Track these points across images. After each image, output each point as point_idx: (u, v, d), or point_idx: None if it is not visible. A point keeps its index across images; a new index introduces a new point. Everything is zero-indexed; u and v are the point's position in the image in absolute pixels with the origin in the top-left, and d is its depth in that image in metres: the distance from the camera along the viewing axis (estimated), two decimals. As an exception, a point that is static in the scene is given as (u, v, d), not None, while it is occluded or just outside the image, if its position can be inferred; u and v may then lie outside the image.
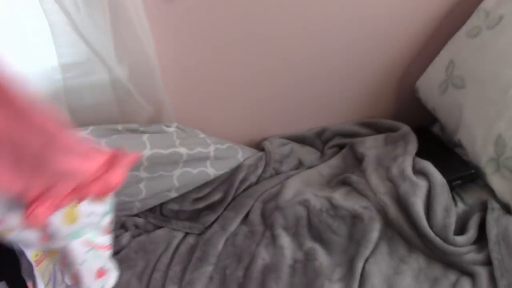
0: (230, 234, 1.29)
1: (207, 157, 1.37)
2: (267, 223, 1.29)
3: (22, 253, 0.77)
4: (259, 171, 1.43)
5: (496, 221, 1.12)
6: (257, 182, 1.43)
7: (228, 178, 1.41)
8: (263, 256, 1.19)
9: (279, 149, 1.50)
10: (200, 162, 1.36)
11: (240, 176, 1.40)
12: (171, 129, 1.36)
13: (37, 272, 0.79)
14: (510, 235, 1.09)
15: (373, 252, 1.15)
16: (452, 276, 1.10)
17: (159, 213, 1.39)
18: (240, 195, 1.39)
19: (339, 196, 1.28)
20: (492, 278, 1.07)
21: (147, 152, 1.26)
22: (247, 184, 1.41)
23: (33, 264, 0.78)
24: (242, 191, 1.40)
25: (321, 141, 1.59)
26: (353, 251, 1.15)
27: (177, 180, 1.34)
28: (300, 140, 1.59)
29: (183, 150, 1.31)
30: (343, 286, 1.10)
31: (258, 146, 1.57)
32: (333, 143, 1.57)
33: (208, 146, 1.37)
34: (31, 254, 0.83)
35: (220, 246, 1.25)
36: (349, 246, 1.17)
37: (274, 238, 1.23)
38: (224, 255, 1.23)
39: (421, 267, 1.12)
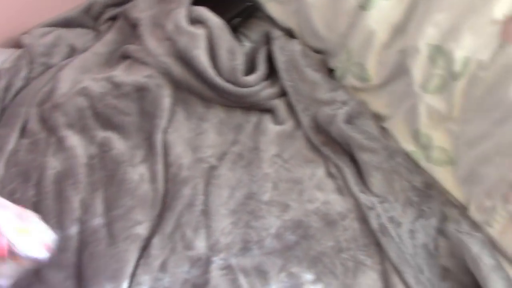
0: (10, 154, 1.08)
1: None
2: (49, 127, 1.10)
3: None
4: (23, 72, 1.20)
5: (282, 49, 1.07)
6: (26, 85, 1.21)
7: (-13, 92, 1.16)
8: (53, 165, 1.03)
9: (42, 40, 1.26)
10: None
11: (1, 84, 1.16)
12: None
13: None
14: (297, 58, 1.05)
15: (170, 121, 1.05)
16: (253, 118, 1.06)
17: None
18: (9, 106, 1.16)
19: (120, 73, 1.12)
20: (290, 106, 1.04)
21: None
22: (13, 91, 1.18)
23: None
24: (11, 101, 1.17)
25: (91, 18, 1.37)
26: (149, 126, 1.04)
27: None
28: (66, 23, 1.35)
29: None
30: (148, 166, 1.00)
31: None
32: (105, 17, 1.36)
33: None
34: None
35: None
36: (143, 122, 1.05)
37: (60, 141, 1.06)
38: (8, 180, 1.03)
39: (221, 119, 1.05)
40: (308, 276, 0.82)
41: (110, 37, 1.28)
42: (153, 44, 1.12)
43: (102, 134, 1.06)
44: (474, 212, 0.81)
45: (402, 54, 0.92)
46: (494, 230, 0.77)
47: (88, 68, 1.20)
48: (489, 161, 0.77)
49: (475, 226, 0.80)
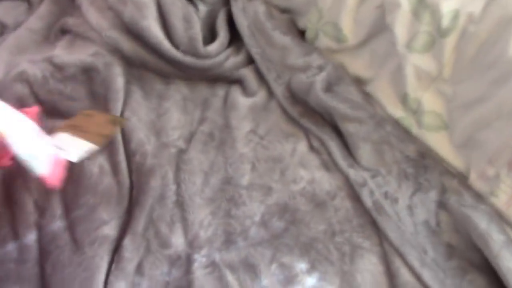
0: None
1: None
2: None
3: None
4: None
5: (243, 11, 0.96)
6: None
7: None
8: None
9: (-35, 19, 1.10)
10: None
11: None
12: None
13: None
14: (262, 21, 0.95)
15: (126, 102, 0.93)
16: (220, 91, 0.96)
17: None
18: None
19: (61, 51, 0.99)
20: (260, 74, 0.94)
21: None
22: None
23: None
24: None
25: (21, -12, 1.21)
26: (102, 111, 0.92)
27: None
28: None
29: None
30: (107, 156, 0.89)
31: None
32: (37, -14, 1.20)
33: None
34: None
35: None
36: (95, 107, 0.93)
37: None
38: None
39: (184, 95, 0.95)
40: (302, 265, 0.75)
41: (44, 9, 1.13)
42: (94, 16, 0.98)
43: (49, 124, 0.93)
44: (475, 181, 0.75)
45: (380, 10, 0.83)
46: (500, 201, 0.71)
47: (24, 48, 1.06)
48: (489, 126, 0.71)
49: (478, 197, 0.75)
